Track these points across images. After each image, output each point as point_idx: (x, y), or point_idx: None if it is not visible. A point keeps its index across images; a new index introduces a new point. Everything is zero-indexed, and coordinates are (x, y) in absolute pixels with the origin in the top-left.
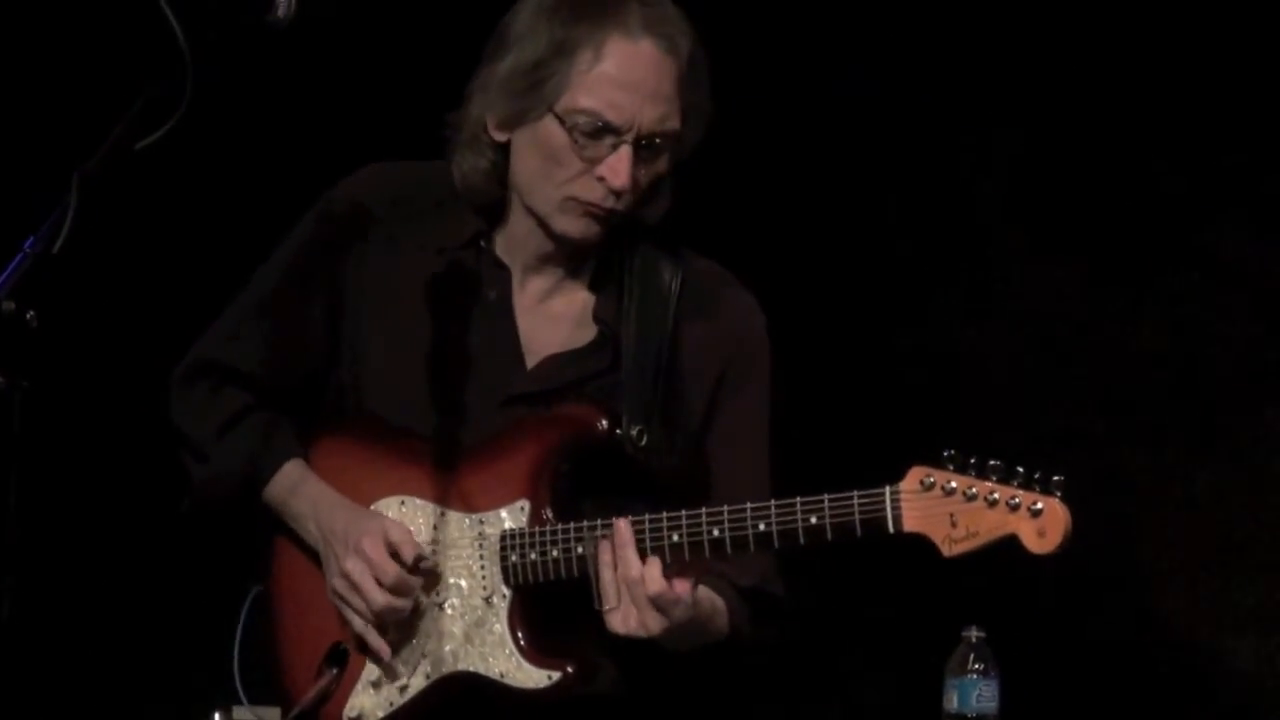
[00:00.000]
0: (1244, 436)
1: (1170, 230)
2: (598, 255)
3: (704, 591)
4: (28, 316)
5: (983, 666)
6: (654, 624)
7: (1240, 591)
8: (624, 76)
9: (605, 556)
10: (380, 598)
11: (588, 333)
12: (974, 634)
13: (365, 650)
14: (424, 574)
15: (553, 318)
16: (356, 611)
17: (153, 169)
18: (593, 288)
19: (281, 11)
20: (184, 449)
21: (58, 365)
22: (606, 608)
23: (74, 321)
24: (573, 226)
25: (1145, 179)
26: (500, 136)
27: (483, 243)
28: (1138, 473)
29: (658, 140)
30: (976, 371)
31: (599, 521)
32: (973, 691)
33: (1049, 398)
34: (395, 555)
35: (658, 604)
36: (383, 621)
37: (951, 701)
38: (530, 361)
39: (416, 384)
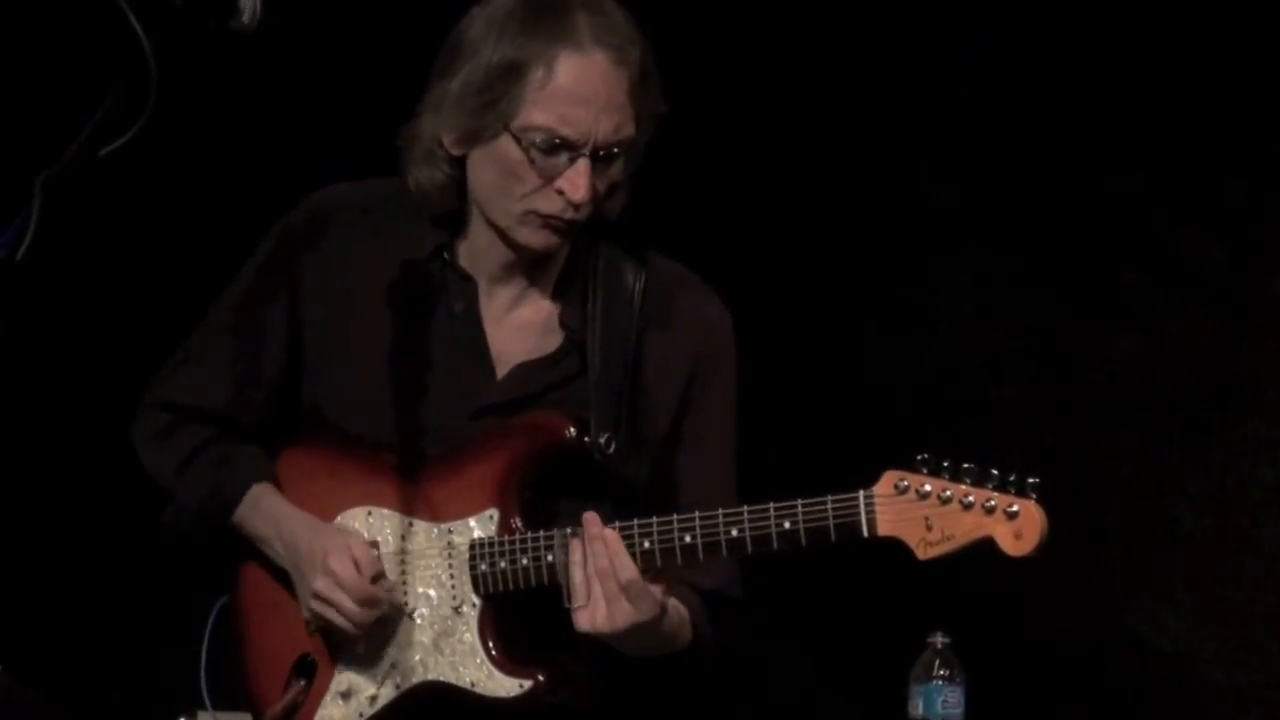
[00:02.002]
0: (1212, 442)
1: (1132, 234)
2: (563, 260)
3: (671, 602)
4: None
5: (948, 672)
6: (621, 618)
7: (1208, 597)
8: (577, 91)
9: (575, 555)
10: (355, 611)
11: (554, 340)
12: (939, 640)
13: (334, 662)
14: (388, 588)
15: (520, 326)
16: (340, 627)
17: (117, 175)
18: (558, 294)
19: (246, 17)
20: (154, 485)
21: (22, 373)
22: (575, 605)
23: (38, 330)
24: (534, 238)
25: (1108, 183)
26: (456, 151)
27: (446, 254)
28: (1103, 478)
29: (615, 150)
30: (939, 379)
31: (569, 529)
32: (938, 697)
33: (1014, 405)
34: (359, 570)
35: (629, 594)
36: (362, 634)
37: (917, 707)
38: (500, 371)
39: (385, 398)
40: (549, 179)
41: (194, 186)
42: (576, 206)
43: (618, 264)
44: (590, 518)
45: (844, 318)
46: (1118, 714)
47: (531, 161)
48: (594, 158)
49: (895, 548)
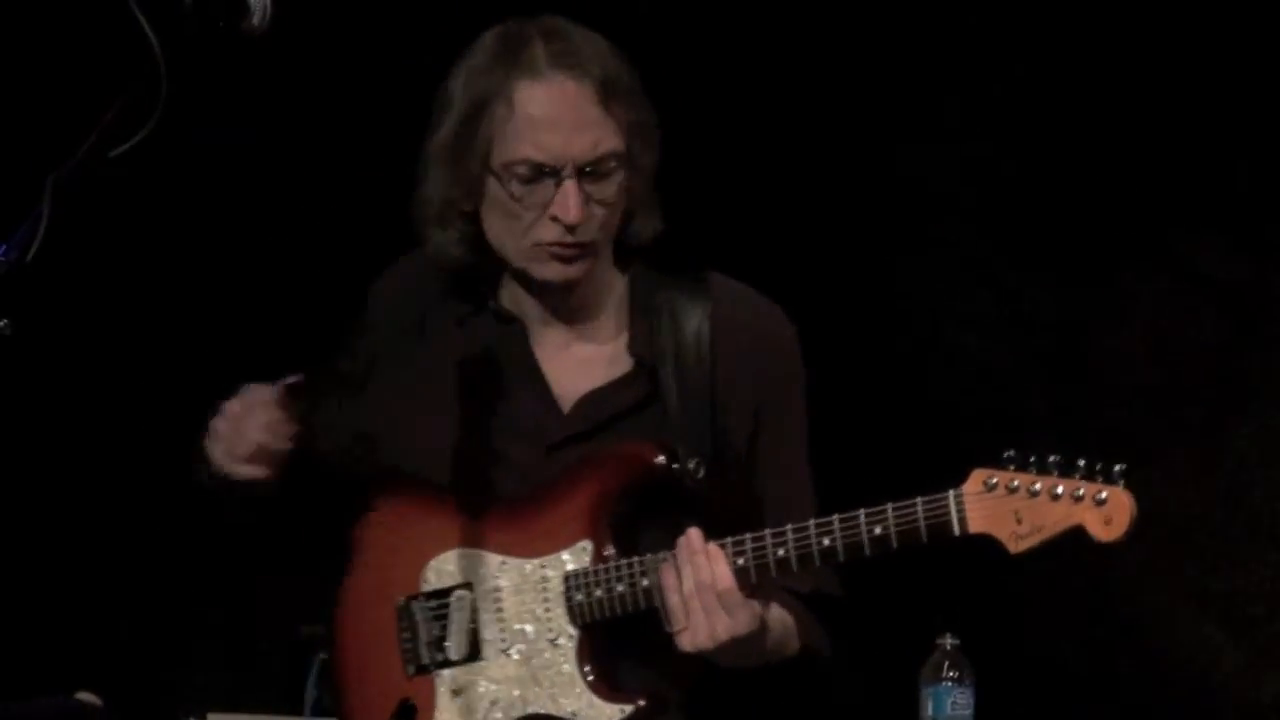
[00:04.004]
0: (1218, 442)
1: (1141, 235)
2: (622, 291)
3: (775, 611)
4: (1, 325)
5: (957, 674)
6: (722, 630)
7: (1219, 597)
8: (541, 117)
9: (669, 580)
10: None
11: (621, 367)
12: (948, 642)
13: (434, 705)
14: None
15: (580, 361)
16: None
17: (128, 176)
18: (621, 325)
19: (257, 19)
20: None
21: (32, 374)
22: (676, 629)
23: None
24: (547, 271)
25: (1117, 184)
26: (465, 207)
27: (491, 304)
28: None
29: (601, 165)
30: (947, 379)
31: (663, 554)
32: (947, 699)
33: (1022, 404)
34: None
35: (725, 604)
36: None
37: (926, 709)
38: (566, 406)
39: (460, 449)
40: (543, 208)
41: (202, 188)
42: (573, 229)
43: (680, 289)
44: (693, 533)
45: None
46: (1127, 715)
47: (520, 196)
48: (580, 177)
49: (992, 543)
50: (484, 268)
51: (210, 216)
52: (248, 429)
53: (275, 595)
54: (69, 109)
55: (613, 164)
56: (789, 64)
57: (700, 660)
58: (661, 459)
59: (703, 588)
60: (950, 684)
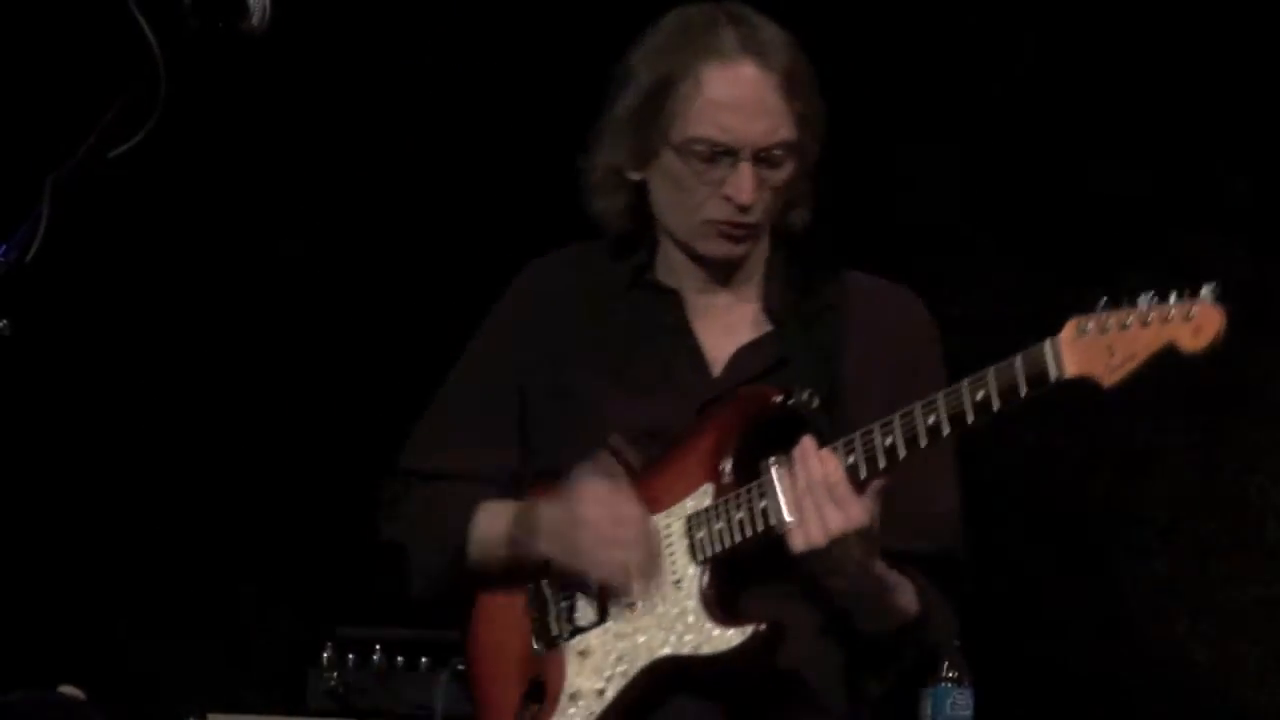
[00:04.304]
0: (1212, 442)
1: (1135, 233)
2: (763, 265)
3: (882, 567)
4: (1, 325)
5: (957, 675)
6: (835, 524)
7: (1211, 599)
8: (726, 99)
9: (784, 482)
10: (632, 540)
11: (762, 328)
12: None
13: (564, 674)
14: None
15: (727, 325)
16: (620, 568)
17: (128, 176)
18: (760, 291)
19: (256, 19)
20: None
21: (32, 374)
22: (788, 523)
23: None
24: (713, 247)
25: (1111, 182)
26: (635, 176)
27: (648, 275)
28: (1104, 481)
29: (775, 152)
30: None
31: (772, 458)
32: (947, 700)
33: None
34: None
35: (836, 497)
36: (644, 567)
37: (926, 709)
38: (716, 370)
39: (617, 422)
40: (716, 186)
41: (203, 188)
42: (745, 209)
43: (815, 268)
44: (806, 439)
45: None
46: (1125, 716)
47: (696, 173)
48: (755, 161)
49: (1088, 384)
50: (643, 235)
51: (209, 216)
52: (623, 545)
53: (277, 596)
54: (69, 109)
55: (785, 152)
56: None
57: (820, 596)
58: (778, 397)
59: (814, 484)
60: (950, 685)
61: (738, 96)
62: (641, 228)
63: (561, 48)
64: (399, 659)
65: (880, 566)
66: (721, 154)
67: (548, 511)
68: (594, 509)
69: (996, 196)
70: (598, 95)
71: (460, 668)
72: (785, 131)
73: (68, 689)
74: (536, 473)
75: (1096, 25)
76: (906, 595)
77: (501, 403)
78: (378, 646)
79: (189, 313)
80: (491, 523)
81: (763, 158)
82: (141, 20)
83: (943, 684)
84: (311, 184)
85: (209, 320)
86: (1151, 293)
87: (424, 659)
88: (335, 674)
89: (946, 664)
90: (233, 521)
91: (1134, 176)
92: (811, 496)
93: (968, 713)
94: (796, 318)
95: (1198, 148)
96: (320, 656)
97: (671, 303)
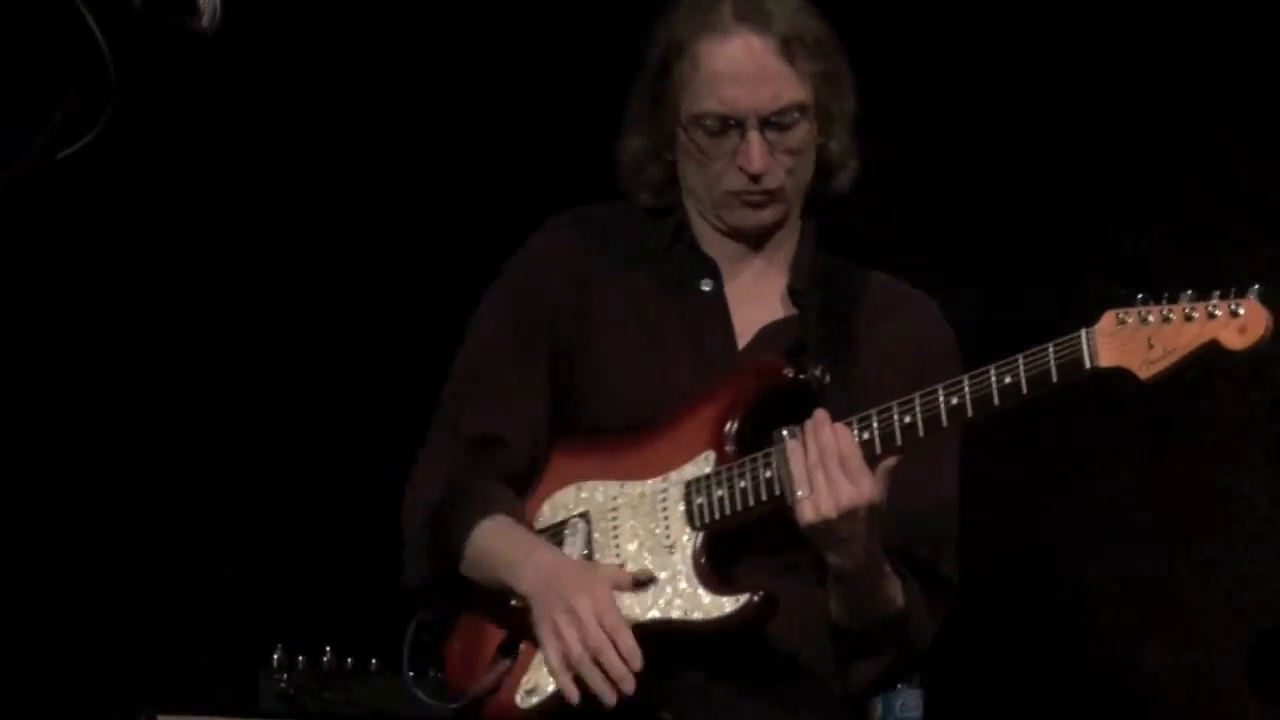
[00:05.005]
0: (1172, 446)
1: (1091, 240)
2: (794, 246)
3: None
4: None
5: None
6: (846, 497)
7: (1163, 594)
8: (725, 71)
9: (795, 451)
10: (599, 647)
11: (788, 308)
12: None
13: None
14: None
15: (757, 298)
16: (573, 662)
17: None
18: (791, 267)
19: (206, 20)
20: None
21: None
22: (798, 495)
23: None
24: (739, 218)
25: (1067, 189)
26: (667, 155)
27: (686, 235)
28: (1061, 480)
29: (784, 116)
30: None
31: (784, 430)
32: (896, 701)
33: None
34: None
35: (848, 470)
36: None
37: (876, 710)
38: (742, 341)
39: (640, 384)
40: (731, 157)
41: (154, 190)
42: (757, 177)
43: (842, 260)
44: (820, 412)
45: None
46: (1076, 714)
47: (709, 147)
48: (764, 128)
49: (1122, 376)
50: (679, 212)
51: (208, 216)
52: (589, 647)
53: (227, 596)
54: (14, 110)
55: (796, 115)
56: None
57: (811, 575)
58: (789, 371)
59: (827, 455)
60: (900, 686)
61: (735, 67)
62: (676, 204)
63: (561, 48)
64: (349, 660)
65: (879, 548)
66: (729, 126)
67: (545, 562)
68: (584, 602)
69: (948, 203)
70: (591, 96)
71: (424, 619)
72: (791, 94)
73: None
74: (557, 428)
75: (1056, 30)
76: (895, 587)
77: (536, 357)
78: (328, 648)
79: (151, 313)
80: (490, 544)
81: (772, 123)
82: (90, 19)
83: (893, 685)
84: (311, 184)
85: (174, 319)
86: (1192, 291)
87: (374, 660)
88: (285, 675)
89: None
90: (183, 520)
91: (1090, 185)
92: (824, 468)
93: (917, 714)
94: (818, 308)
95: (1156, 157)
96: (271, 658)
97: (711, 269)
